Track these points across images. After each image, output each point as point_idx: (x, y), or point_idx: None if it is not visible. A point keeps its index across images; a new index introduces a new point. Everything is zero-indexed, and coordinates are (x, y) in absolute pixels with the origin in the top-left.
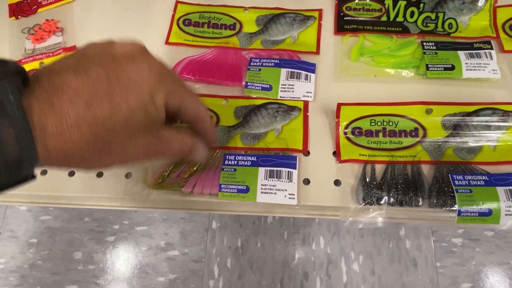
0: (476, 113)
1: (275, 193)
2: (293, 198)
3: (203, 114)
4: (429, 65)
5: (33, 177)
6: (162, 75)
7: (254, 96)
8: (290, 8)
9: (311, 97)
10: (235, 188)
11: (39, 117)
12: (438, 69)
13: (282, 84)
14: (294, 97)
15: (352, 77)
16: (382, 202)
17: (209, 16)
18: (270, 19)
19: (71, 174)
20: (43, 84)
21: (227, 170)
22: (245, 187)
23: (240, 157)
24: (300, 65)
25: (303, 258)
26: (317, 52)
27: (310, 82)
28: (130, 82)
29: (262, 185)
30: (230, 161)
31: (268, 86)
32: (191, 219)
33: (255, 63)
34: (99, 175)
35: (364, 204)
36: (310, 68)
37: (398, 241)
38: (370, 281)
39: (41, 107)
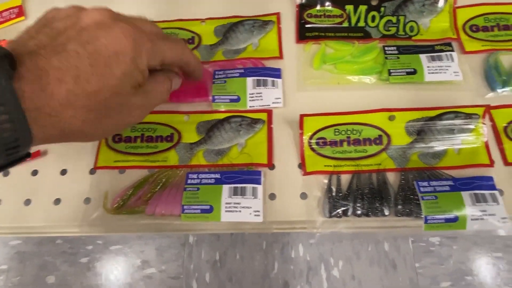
0: (439, 117)
1: (240, 211)
2: (259, 215)
3: (186, 59)
4: (391, 70)
5: (28, 155)
6: (138, 38)
7: (223, 109)
8: (248, 15)
9: (280, 103)
10: (198, 209)
11: (31, 100)
12: (400, 74)
13: (250, 94)
14: (264, 105)
15: (316, 86)
16: (349, 213)
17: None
18: (229, 28)
19: (27, 203)
20: (27, 65)
21: (189, 190)
22: (208, 207)
23: (203, 175)
24: (265, 72)
25: (283, 267)
26: (281, 56)
27: (277, 88)
28: (110, 54)
29: (226, 203)
30: (193, 180)
31: (236, 97)
32: (167, 234)
33: (219, 76)
34: (57, 202)
35: (330, 217)
36: (276, 73)
37: (376, 244)
38: (351, 286)
39: (31, 89)
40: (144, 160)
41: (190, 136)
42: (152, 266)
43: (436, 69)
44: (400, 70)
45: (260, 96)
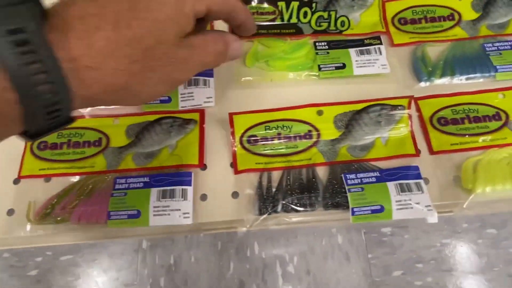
0: (365, 110)
1: (169, 214)
2: (188, 217)
3: (236, 5)
4: (321, 66)
5: (70, 120)
6: None
7: (153, 111)
8: None
9: (212, 102)
10: (125, 214)
11: (66, 49)
12: (330, 68)
13: (181, 94)
14: (196, 105)
15: (249, 84)
16: (279, 210)
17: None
18: None
19: None
20: (62, 15)
21: (117, 196)
22: (136, 212)
23: (131, 180)
24: None
25: (238, 267)
26: None
27: (209, 87)
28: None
29: (154, 207)
30: (120, 185)
31: (167, 98)
32: (119, 241)
33: None
34: None
35: (260, 214)
36: (208, 72)
37: (330, 237)
38: (306, 281)
39: (65, 38)
40: (70, 166)
41: (119, 140)
42: (105, 275)
43: (365, 63)
44: (329, 65)
45: (192, 96)
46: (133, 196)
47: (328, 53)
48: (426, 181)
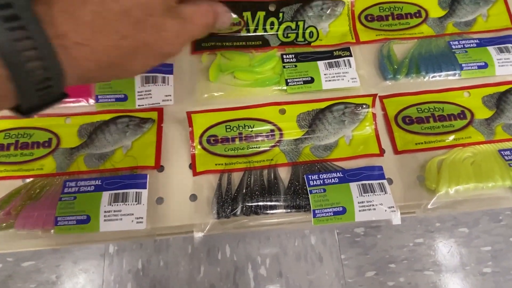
0: (329, 108)
1: (121, 219)
2: (141, 222)
3: None
4: (288, 80)
5: (64, 95)
6: None
7: (108, 109)
8: None
9: (171, 100)
10: (73, 220)
11: (55, 26)
12: (298, 83)
13: (138, 91)
14: (153, 103)
15: (213, 100)
16: (238, 213)
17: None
18: None
19: None
20: None
21: (65, 200)
22: (85, 217)
23: (82, 183)
24: (155, 67)
25: (209, 270)
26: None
27: (168, 84)
28: None
29: (105, 212)
30: (70, 189)
31: (123, 96)
32: (85, 245)
33: None
34: None
35: (219, 218)
36: (167, 69)
37: (303, 238)
38: (278, 284)
39: (52, 13)
40: (17, 169)
41: (71, 140)
42: (70, 281)
43: (334, 76)
44: (297, 79)
45: (150, 93)
46: (83, 200)
47: (296, 66)
48: (390, 181)
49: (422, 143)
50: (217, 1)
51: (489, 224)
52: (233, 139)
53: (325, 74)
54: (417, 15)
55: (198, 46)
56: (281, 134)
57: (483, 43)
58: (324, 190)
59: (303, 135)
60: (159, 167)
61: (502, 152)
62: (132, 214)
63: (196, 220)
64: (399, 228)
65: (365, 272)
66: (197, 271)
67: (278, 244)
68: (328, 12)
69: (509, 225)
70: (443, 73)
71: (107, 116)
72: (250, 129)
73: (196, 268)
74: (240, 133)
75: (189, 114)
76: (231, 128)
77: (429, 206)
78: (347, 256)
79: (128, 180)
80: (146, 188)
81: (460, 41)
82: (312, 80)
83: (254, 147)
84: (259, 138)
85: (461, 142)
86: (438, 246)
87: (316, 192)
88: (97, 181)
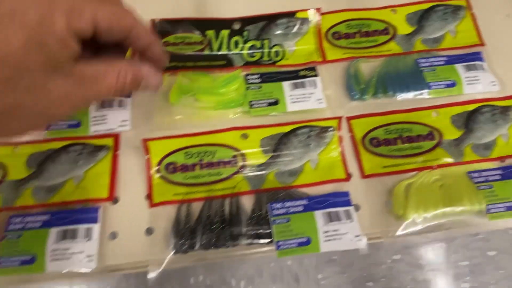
0: (293, 132)
1: (69, 258)
2: (92, 261)
3: (134, 24)
4: (252, 102)
5: None
6: None
7: (60, 137)
8: None
9: (128, 125)
10: (17, 260)
11: None
12: (262, 105)
13: (93, 117)
14: (109, 129)
15: (174, 124)
16: (197, 247)
17: None
18: None
19: None
20: None
21: (10, 238)
22: (30, 257)
23: (29, 218)
24: None
25: None
26: None
27: (125, 108)
28: (5, 11)
29: (52, 250)
30: (15, 225)
31: (76, 122)
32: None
33: None
34: None
35: (176, 253)
36: None
37: (279, 259)
38: None
39: None
40: None
41: (19, 171)
42: None
43: (299, 98)
44: (261, 101)
45: (105, 119)
46: (28, 238)
47: (260, 87)
48: (357, 207)
49: (389, 166)
50: (144, 62)
51: (466, 238)
52: (193, 167)
53: (290, 96)
54: (385, 32)
55: None
56: (244, 160)
57: (451, 60)
58: (288, 220)
59: (267, 161)
60: (113, 199)
61: (471, 174)
62: (82, 252)
63: (152, 256)
64: (376, 245)
65: None
66: None
67: (254, 265)
68: (294, 30)
69: (486, 238)
70: (411, 93)
71: (58, 144)
72: (211, 156)
73: None
74: (201, 160)
75: (144, 141)
76: (191, 154)
77: (396, 233)
78: (324, 275)
79: (78, 214)
80: (97, 223)
81: (428, 59)
82: (277, 102)
83: (216, 175)
84: (221, 165)
85: (429, 164)
86: (416, 262)
87: (279, 223)
88: (45, 216)
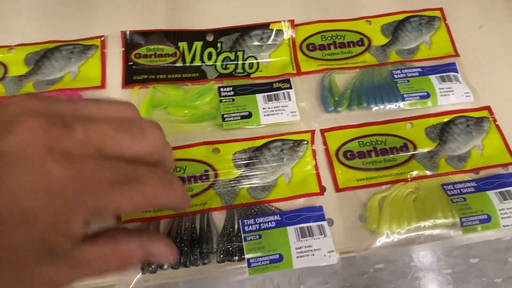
0: (266, 146)
1: None
2: None
3: (169, 202)
4: (225, 115)
5: None
6: (76, 188)
7: None
8: (67, 39)
9: None
10: None
11: None
12: (235, 118)
13: None
14: None
15: None
16: (165, 266)
17: None
18: (43, 56)
19: None
20: None
21: None
22: None
23: None
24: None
25: None
26: (103, 86)
27: None
28: (14, 211)
29: None
30: None
31: None
32: None
33: None
34: None
35: (143, 273)
36: None
37: None
38: None
39: None
40: None
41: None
42: None
43: (273, 110)
44: (234, 114)
45: None
46: None
47: (233, 100)
48: (331, 222)
49: (363, 179)
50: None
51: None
52: None
53: (263, 108)
54: (360, 43)
55: (129, 80)
56: (216, 175)
57: (425, 71)
58: (260, 236)
59: (239, 175)
60: None
61: (444, 186)
62: None
63: (119, 275)
64: (358, 255)
65: None
66: None
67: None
68: (268, 42)
69: (469, 246)
70: (385, 104)
71: None
72: (182, 171)
73: None
74: None
75: None
76: None
77: (370, 248)
78: (307, 286)
79: None
80: None
81: (402, 70)
82: (250, 115)
83: (187, 190)
84: (192, 180)
85: (403, 177)
86: (399, 271)
87: (251, 239)
88: None
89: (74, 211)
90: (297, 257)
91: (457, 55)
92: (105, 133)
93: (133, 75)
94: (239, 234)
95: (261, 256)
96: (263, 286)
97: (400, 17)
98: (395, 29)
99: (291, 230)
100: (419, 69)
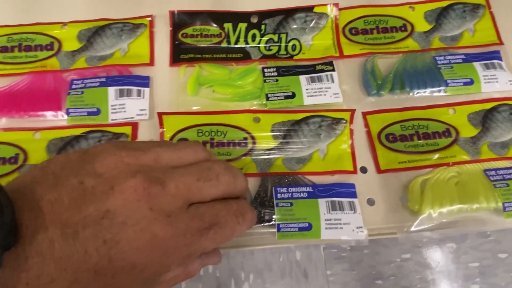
0: (305, 121)
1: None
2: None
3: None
4: (268, 95)
5: None
6: (177, 241)
7: (79, 124)
8: (117, 18)
9: (146, 115)
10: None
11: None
12: (279, 98)
13: (112, 105)
14: (127, 118)
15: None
16: None
17: (19, 38)
18: (94, 32)
19: None
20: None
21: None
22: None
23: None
24: (131, 80)
25: (191, 286)
26: (151, 63)
27: (143, 98)
28: (125, 265)
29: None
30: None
31: (96, 109)
32: None
33: (77, 85)
34: None
35: None
36: (143, 82)
37: (288, 253)
38: None
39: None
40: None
41: (39, 156)
42: None
43: (316, 92)
44: (278, 94)
45: (124, 107)
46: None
47: (277, 80)
48: (372, 201)
49: (405, 162)
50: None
51: (477, 240)
52: (204, 144)
53: (306, 89)
54: (403, 29)
55: (177, 58)
56: (254, 143)
57: (469, 58)
58: (291, 204)
59: (276, 146)
60: None
61: (487, 172)
62: None
63: None
64: (386, 243)
65: None
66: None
67: (263, 259)
68: (311, 25)
69: (497, 240)
70: (428, 89)
71: (78, 131)
72: (222, 136)
73: (177, 285)
74: (212, 139)
75: (160, 115)
76: (203, 132)
77: (411, 229)
78: (333, 272)
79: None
80: None
81: (445, 56)
82: (293, 95)
83: (225, 154)
84: (231, 146)
85: (445, 161)
86: (425, 262)
87: (282, 206)
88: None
89: (173, 261)
90: (326, 228)
91: (501, 43)
92: (190, 185)
93: (180, 54)
94: (272, 200)
95: (291, 223)
96: (290, 269)
97: (444, 4)
98: (439, 16)
99: (322, 202)
100: (463, 56)
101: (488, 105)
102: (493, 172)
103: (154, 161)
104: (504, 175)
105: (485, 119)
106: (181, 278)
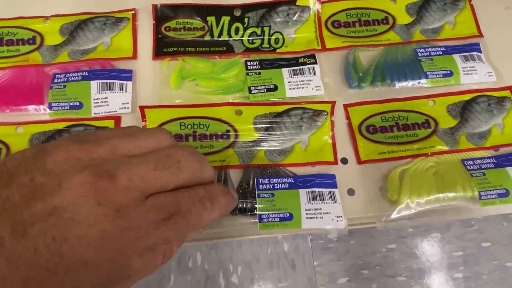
0: (286, 113)
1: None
2: None
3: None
4: (251, 88)
5: None
6: (130, 234)
7: (61, 118)
8: (100, 12)
9: (128, 108)
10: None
11: None
12: (261, 91)
13: (94, 99)
14: (110, 111)
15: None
16: None
17: (1, 32)
18: (77, 26)
19: None
20: None
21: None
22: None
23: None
24: (113, 74)
25: (179, 279)
26: (134, 57)
27: (126, 91)
28: (76, 261)
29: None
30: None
31: (78, 103)
32: None
33: (59, 79)
34: None
35: None
36: (126, 76)
37: (276, 245)
38: None
39: None
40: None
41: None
42: None
43: (298, 84)
44: (260, 87)
45: (106, 101)
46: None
47: (259, 73)
48: (352, 192)
49: (385, 152)
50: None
51: (460, 229)
52: (186, 137)
53: (289, 82)
54: (385, 21)
55: (160, 52)
56: (236, 136)
57: (449, 51)
58: (273, 195)
59: (258, 138)
60: None
61: (464, 162)
62: None
63: None
64: (372, 234)
65: (338, 278)
66: (167, 280)
67: (251, 251)
68: (294, 18)
69: (480, 230)
70: (409, 81)
71: (60, 125)
72: (205, 128)
73: (166, 277)
74: (195, 132)
75: (142, 108)
76: (186, 125)
77: (390, 218)
78: (320, 262)
79: None
80: None
81: (426, 49)
82: (275, 88)
83: (208, 147)
84: (214, 139)
85: (424, 151)
86: (410, 252)
87: (264, 197)
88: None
89: (128, 255)
90: (306, 218)
91: (481, 35)
92: (146, 175)
93: (163, 47)
94: (254, 191)
95: (272, 213)
96: (277, 260)
97: None
98: (420, 9)
99: (303, 192)
100: (443, 48)
101: (467, 97)
102: (470, 162)
103: (109, 153)
104: (480, 165)
105: (464, 110)
106: (146, 272)
